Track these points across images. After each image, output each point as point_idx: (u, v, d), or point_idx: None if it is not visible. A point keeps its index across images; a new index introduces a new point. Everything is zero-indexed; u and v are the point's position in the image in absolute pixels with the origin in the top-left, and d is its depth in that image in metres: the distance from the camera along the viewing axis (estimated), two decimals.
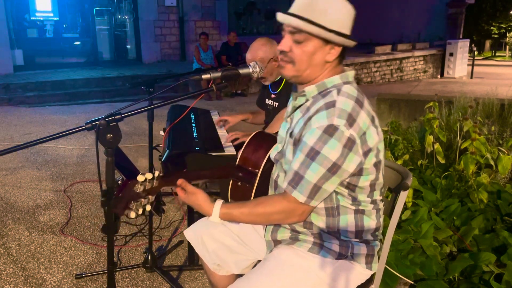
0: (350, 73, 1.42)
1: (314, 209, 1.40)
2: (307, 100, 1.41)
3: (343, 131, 1.26)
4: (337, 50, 1.37)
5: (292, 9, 1.34)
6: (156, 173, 1.33)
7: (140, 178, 1.28)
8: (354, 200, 1.41)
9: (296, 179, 1.32)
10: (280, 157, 1.48)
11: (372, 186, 1.41)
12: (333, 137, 1.27)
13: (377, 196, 1.45)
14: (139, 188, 1.28)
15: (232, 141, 2.38)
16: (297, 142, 1.36)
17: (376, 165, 1.37)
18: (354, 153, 1.29)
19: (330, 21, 1.31)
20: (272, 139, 1.75)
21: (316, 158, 1.28)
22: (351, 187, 1.38)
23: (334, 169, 1.29)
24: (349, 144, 1.27)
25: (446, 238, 2.55)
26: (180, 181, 1.41)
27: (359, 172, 1.35)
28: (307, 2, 1.32)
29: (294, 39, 1.35)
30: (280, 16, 1.35)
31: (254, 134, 1.79)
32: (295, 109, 1.45)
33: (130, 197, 1.28)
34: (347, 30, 1.35)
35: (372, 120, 1.34)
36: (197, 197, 1.41)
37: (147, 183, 1.30)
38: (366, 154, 1.32)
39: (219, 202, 1.41)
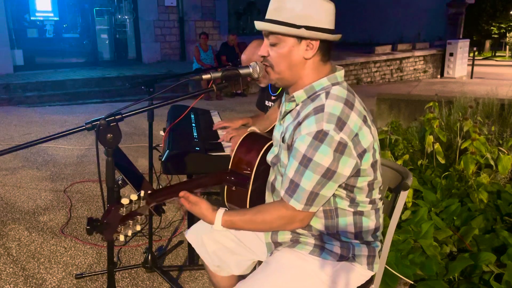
0: (339, 73, 1.40)
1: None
2: (297, 105, 1.40)
3: (333, 136, 1.25)
4: (314, 46, 1.34)
5: (266, 16, 1.36)
6: (142, 193, 1.31)
7: (124, 201, 1.27)
8: (353, 202, 1.40)
9: (292, 187, 1.32)
10: (277, 161, 1.48)
11: (371, 186, 1.40)
12: (324, 143, 1.26)
13: (376, 195, 1.44)
14: (124, 212, 1.27)
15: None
16: (290, 147, 1.36)
17: (373, 165, 1.37)
18: (347, 156, 1.28)
19: (299, 18, 1.30)
20: (262, 139, 1.72)
21: (309, 166, 1.28)
22: (349, 188, 1.37)
23: (328, 174, 1.28)
24: (341, 148, 1.26)
25: (446, 238, 2.55)
26: (182, 193, 1.42)
27: (356, 174, 1.34)
28: (276, 6, 1.33)
29: (270, 42, 1.37)
30: (255, 24, 1.38)
31: (244, 136, 1.76)
32: (286, 113, 1.45)
33: (116, 221, 1.26)
34: (323, 25, 1.32)
35: (365, 120, 1.32)
36: (200, 206, 1.43)
37: (133, 205, 1.29)
38: (361, 155, 1.31)
39: (221, 210, 1.42)
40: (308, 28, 1.30)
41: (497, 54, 26.35)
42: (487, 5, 23.24)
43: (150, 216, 2.56)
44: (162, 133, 2.54)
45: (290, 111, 1.43)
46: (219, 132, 2.60)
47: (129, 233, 1.31)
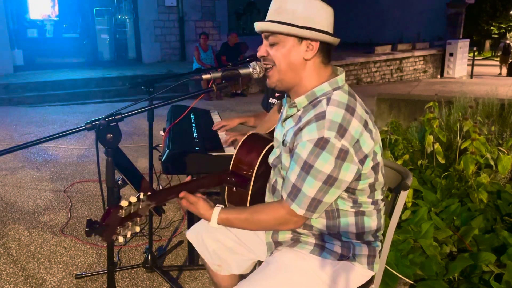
0: (340, 78, 1.40)
1: None
2: (298, 110, 1.41)
3: (334, 144, 1.25)
4: (314, 47, 1.35)
5: (266, 18, 1.38)
6: (142, 195, 1.32)
7: (123, 203, 1.27)
8: (355, 203, 1.41)
9: (294, 192, 1.33)
10: (278, 162, 1.48)
11: (372, 187, 1.40)
12: (325, 150, 1.26)
13: (378, 196, 1.45)
14: (123, 213, 1.28)
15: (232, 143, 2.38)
16: (291, 151, 1.37)
17: (374, 168, 1.37)
18: (349, 162, 1.28)
19: (300, 19, 1.32)
20: (263, 140, 1.71)
21: (310, 172, 1.28)
22: (350, 190, 1.38)
23: (330, 181, 1.29)
24: (342, 155, 1.27)
25: (446, 238, 2.55)
26: (182, 194, 1.44)
27: (357, 178, 1.34)
28: (276, 7, 1.35)
29: (269, 43, 1.37)
30: (255, 25, 1.38)
31: (246, 136, 1.75)
32: (287, 117, 1.45)
33: (115, 223, 1.27)
34: (323, 27, 1.34)
35: (365, 125, 1.32)
36: (197, 205, 1.44)
37: (132, 207, 1.30)
38: (362, 161, 1.31)
39: (217, 208, 1.43)
40: (309, 28, 1.31)
41: (497, 54, 26.36)
42: (487, 5, 23.27)
43: (150, 216, 2.56)
44: (162, 133, 2.54)
45: (291, 116, 1.43)
46: (219, 132, 2.60)
47: (128, 234, 1.32)
